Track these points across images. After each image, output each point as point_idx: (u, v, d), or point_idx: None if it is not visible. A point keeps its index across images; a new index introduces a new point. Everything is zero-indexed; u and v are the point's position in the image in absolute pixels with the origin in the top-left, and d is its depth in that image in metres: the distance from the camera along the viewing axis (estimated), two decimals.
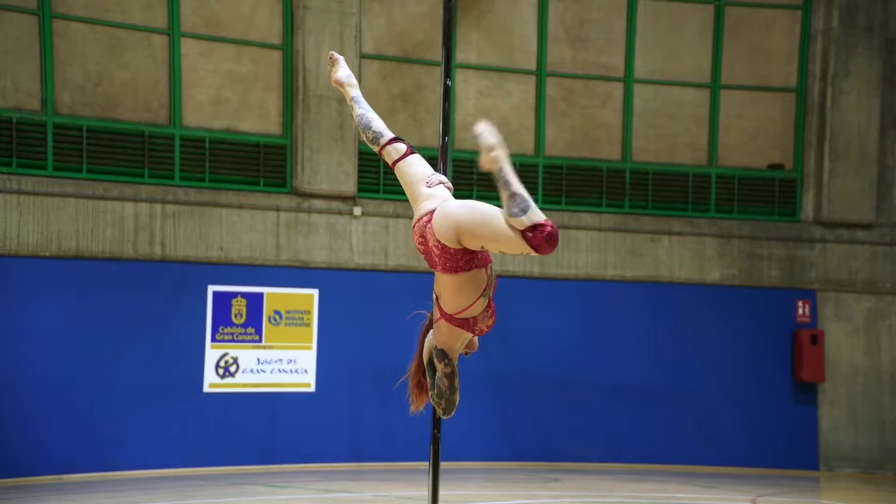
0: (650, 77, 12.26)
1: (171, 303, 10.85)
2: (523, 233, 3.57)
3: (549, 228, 3.59)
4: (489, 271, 3.90)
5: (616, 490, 10.02)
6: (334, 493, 9.16)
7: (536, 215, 3.59)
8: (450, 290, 3.80)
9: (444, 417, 4.14)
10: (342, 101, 11.36)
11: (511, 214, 3.60)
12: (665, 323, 12.37)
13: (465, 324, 3.84)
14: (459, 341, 3.88)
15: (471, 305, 3.81)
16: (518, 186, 3.62)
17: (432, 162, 4.29)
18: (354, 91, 4.42)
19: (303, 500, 9.18)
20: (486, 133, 3.72)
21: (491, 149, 3.66)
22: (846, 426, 12.63)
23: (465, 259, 3.76)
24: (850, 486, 11.79)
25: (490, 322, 3.89)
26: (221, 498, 9.12)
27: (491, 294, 3.86)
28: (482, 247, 3.73)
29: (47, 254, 10.33)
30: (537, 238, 3.56)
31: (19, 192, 10.07)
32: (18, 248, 10.15)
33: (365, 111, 4.33)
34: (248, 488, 9.83)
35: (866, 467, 12.65)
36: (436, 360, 3.86)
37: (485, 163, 3.70)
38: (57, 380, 10.39)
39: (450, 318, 3.84)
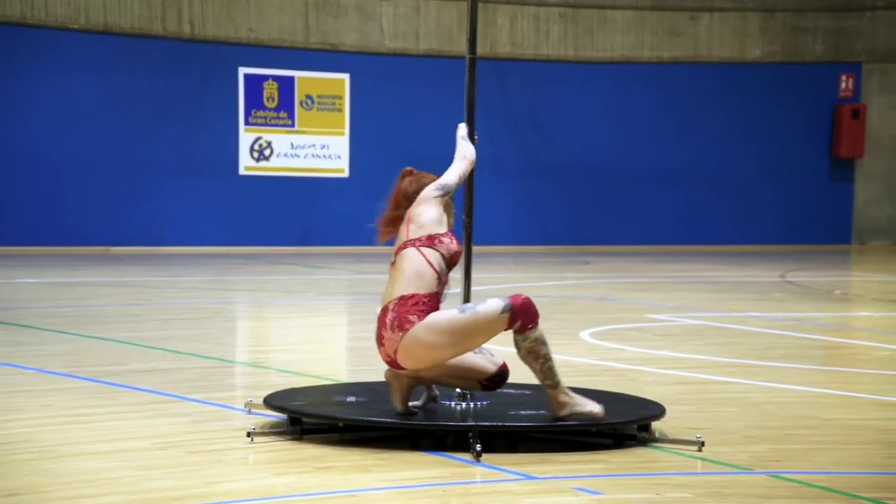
0: None
1: (203, 83, 10.80)
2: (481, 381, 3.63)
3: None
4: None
5: (647, 271, 10.16)
6: (369, 274, 9.37)
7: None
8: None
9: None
10: None
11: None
12: (702, 105, 12.15)
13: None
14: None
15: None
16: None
17: None
18: None
19: (339, 281, 9.42)
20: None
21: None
22: (881, 200, 12.60)
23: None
24: (880, 257, 11.88)
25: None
26: (263, 276, 9.38)
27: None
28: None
29: (76, 26, 10.23)
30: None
31: None
32: (46, 18, 10.06)
33: None
34: (287, 268, 10.08)
35: None
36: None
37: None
38: (96, 156, 10.56)
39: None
